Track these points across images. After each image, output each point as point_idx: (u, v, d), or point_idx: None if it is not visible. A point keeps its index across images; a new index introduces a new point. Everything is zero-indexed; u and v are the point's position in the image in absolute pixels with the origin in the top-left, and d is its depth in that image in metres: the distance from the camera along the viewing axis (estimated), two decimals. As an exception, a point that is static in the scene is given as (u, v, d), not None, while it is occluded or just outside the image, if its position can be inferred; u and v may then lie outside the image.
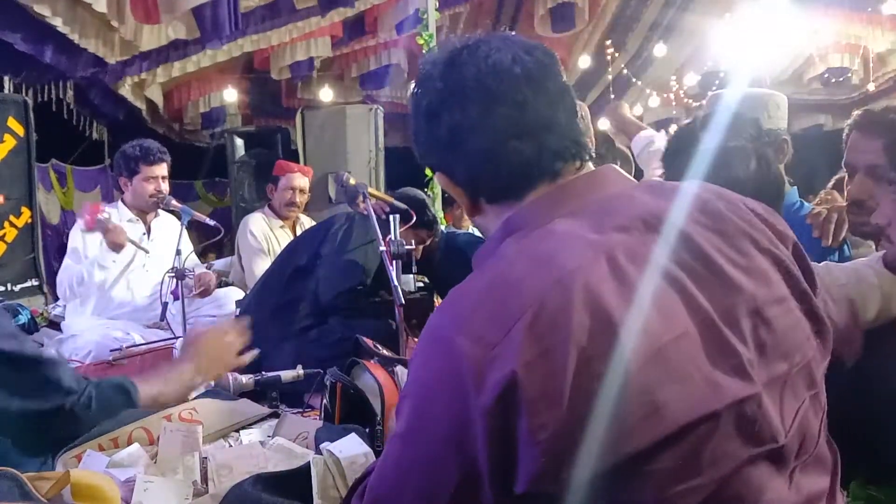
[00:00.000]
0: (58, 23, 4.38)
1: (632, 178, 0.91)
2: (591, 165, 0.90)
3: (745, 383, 0.75)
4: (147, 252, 3.17)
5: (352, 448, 1.22)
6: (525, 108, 0.85)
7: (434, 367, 0.77)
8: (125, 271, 3.21)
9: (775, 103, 2.06)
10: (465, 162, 0.89)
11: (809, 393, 0.84)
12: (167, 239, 3.33)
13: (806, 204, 2.02)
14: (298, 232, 3.83)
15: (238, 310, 2.88)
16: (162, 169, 3.23)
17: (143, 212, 3.29)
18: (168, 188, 3.28)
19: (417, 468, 0.77)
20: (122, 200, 3.28)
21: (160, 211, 3.39)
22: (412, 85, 0.95)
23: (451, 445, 0.74)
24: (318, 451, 1.25)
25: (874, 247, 1.73)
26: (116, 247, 2.95)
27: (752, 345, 0.77)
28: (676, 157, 1.64)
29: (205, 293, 3.27)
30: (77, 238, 3.17)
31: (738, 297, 0.79)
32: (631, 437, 0.70)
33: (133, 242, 3.02)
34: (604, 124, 3.96)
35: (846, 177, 1.65)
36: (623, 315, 0.71)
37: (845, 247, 1.94)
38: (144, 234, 3.28)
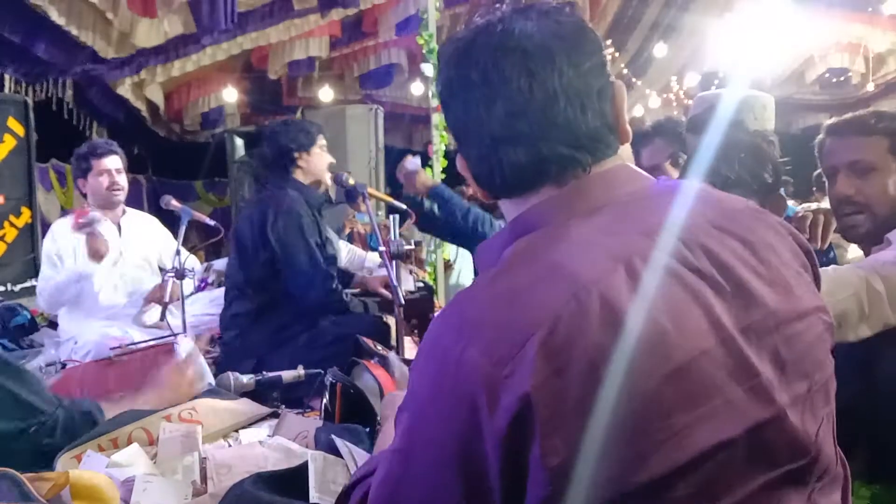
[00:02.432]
0: (53, 14, 4.37)
1: (647, 174, 0.85)
2: (612, 159, 0.83)
3: (764, 405, 0.71)
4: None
5: (356, 448, 1.22)
6: (520, 112, 0.79)
7: (440, 382, 0.71)
8: (109, 271, 3.18)
9: (762, 104, 2.06)
10: (469, 156, 0.86)
11: (825, 410, 0.80)
12: (139, 235, 3.30)
13: (791, 206, 2.01)
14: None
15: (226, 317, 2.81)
16: (113, 161, 3.14)
17: (109, 210, 3.20)
18: (125, 181, 3.20)
19: (419, 488, 0.73)
20: (87, 200, 3.25)
21: (127, 209, 3.35)
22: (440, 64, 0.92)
23: (457, 468, 0.70)
24: (319, 449, 1.25)
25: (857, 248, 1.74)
26: (97, 256, 2.92)
27: (774, 364, 0.73)
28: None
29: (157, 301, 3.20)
30: (50, 244, 3.13)
31: (761, 312, 0.74)
32: (647, 463, 0.66)
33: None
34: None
35: (826, 182, 1.67)
36: (642, 332, 0.67)
37: (831, 251, 1.95)
38: (116, 231, 3.24)
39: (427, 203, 2.81)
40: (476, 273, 2.70)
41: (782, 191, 1.74)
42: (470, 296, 0.75)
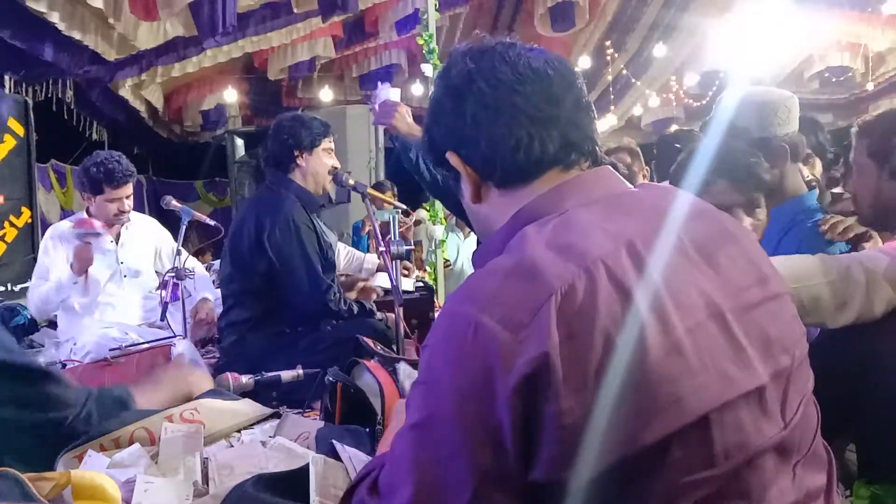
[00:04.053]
0: (55, 18, 4.36)
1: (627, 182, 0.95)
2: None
3: (751, 376, 0.77)
4: None
5: (357, 453, 1.22)
6: (554, 102, 0.89)
7: (457, 350, 0.75)
8: (106, 284, 3.17)
9: (772, 108, 2.03)
10: (486, 140, 0.90)
11: (808, 387, 0.86)
12: (140, 241, 3.29)
13: (820, 213, 1.99)
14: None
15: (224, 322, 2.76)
16: (126, 189, 3.09)
17: (110, 224, 3.19)
18: (132, 204, 3.17)
19: (442, 456, 0.75)
20: (87, 212, 3.21)
21: (130, 215, 3.33)
22: (441, 67, 0.97)
23: (479, 428, 0.73)
24: (320, 451, 1.25)
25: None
26: (80, 270, 2.90)
27: (759, 340, 0.80)
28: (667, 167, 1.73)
29: (205, 324, 3.11)
30: (43, 253, 3.11)
31: (742, 293, 0.81)
32: (650, 426, 0.71)
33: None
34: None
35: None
36: (646, 305, 0.73)
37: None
38: (112, 241, 3.23)
39: (413, 155, 2.58)
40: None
41: (814, 192, 1.80)
42: (484, 274, 0.80)
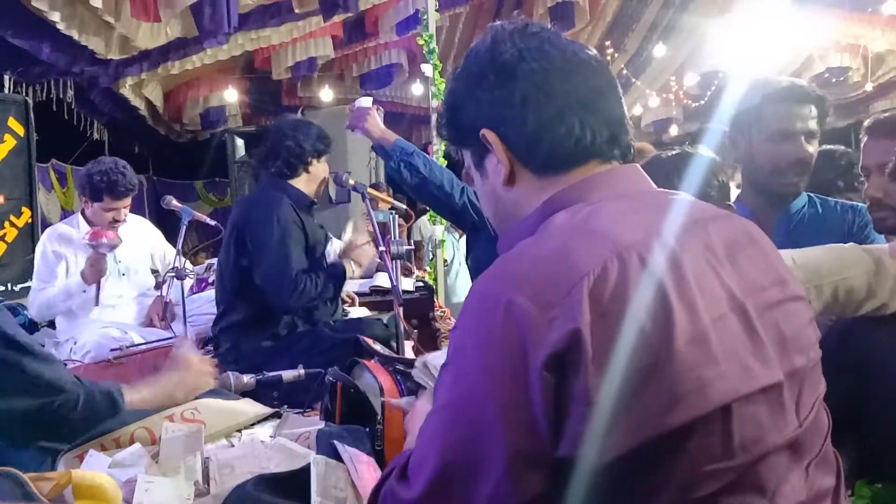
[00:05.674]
0: (56, 18, 4.35)
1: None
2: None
3: (770, 372, 0.78)
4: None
5: (358, 453, 1.23)
6: (602, 94, 0.90)
7: (488, 327, 0.75)
8: (105, 282, 3.17)
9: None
10: (534, 122, 0.88)
11: (821, 390, 0.88)
12: (136, 240, 3.28)
13: (830, 200, 1.98)
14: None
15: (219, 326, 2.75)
16: (126, 202, 3.10)
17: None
18: (128, 213, 3.18)
19: (473, 435, 0.75)
20: (83, 213, 3.20)
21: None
22: (482, 43, 0.93)
23: (511, 405, 0.73)
24: (320, 452, 1.25)
25: None
26: (94, 279, 2.91)
27: (775, 337, 0.81)
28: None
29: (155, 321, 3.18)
30: (43, 255, 3.10)
31: (761, 291, 0.83)
32: (675, 410, 0.72)
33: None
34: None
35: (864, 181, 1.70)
36: (675, 293, 0.74)
37: None
38: None
39: (394, 163, 2.64)
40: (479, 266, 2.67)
41: (734, 204, 1.79)
42: (515, 255, 0.80)
